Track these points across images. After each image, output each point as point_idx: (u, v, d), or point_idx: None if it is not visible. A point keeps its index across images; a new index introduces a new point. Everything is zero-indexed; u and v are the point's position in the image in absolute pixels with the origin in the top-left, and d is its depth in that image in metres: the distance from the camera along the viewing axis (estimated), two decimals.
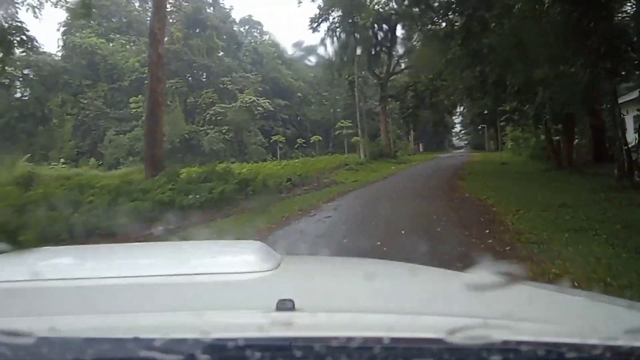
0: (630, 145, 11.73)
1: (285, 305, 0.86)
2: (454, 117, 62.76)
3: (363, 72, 37.04)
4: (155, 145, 16.95)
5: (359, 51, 34.55)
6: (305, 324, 0.83)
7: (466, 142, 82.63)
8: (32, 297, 1.13)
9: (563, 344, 0.69)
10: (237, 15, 60.73)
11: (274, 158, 42.91)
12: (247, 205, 11.37)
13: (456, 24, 18.85)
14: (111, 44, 47.05)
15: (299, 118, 55.52)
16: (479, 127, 53.26)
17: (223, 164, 18.08)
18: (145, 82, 44.66)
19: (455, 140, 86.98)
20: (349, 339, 0.68)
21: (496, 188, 11.70)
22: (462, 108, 49.90)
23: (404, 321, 0.86)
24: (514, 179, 14.35)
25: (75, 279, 1.22)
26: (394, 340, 0.70)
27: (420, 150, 59.79)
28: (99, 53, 43.40)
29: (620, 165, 11.52)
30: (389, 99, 41.92)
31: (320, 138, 52.07)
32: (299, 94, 56.37)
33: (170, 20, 50.02)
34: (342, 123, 49.13)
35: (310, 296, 1.12)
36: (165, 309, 0.98)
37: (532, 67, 11.91)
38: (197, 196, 10.89)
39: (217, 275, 1.23)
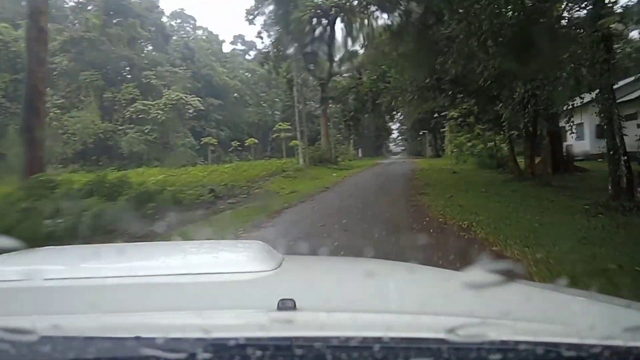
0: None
1: (287, 304, 0.87)
2: (390, 124, 62.02)
3: (302, 75, 34.33)
4: (34, 146, 13.39)
5: (296, 48, 31.76)
6: (306, 324, 0.83)
7: (403, 148, 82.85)
8: (35, 296, 1.12)
9: (561, 343, 0.69)
10: (169, 8, 56.38)
11: (205, 162, 39.29)
12: (140, 232, 8.06)
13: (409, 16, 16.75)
14: (18, 31, 41.00)
15: (234, 119, 52.01)
16: (420, 133, 52.26)
17: (134, 171, 14.57)
18: (55, 72, 38.94)
19: (392, 146, 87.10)
20: (350, 339, 0.69)
21: (470, 208, 9.25)
22: (399, 114, 48.81)
23: (403, 320, 0.87)
24: (481, 193, 12.07)
25: (78, 278, 1.22)
26: (394, 339, 0.71)
27: (360, 155, 58.09)
28: (0, 39, 37.57)
29: (615, 180, 9.46)
30: (330, 102, 39.58)
31: (257, 141, 48.91)
32: (235, 94, 53.02)
33: (89, 8, 44.95)
34: (280, 125, 46.39)
35: (311, 296, 1.11)
36: (167, 309, 0.97)
37: (516, 53, 9.43)
38: (60, 221, 7.42)
39: (219, 275, 1.23)
